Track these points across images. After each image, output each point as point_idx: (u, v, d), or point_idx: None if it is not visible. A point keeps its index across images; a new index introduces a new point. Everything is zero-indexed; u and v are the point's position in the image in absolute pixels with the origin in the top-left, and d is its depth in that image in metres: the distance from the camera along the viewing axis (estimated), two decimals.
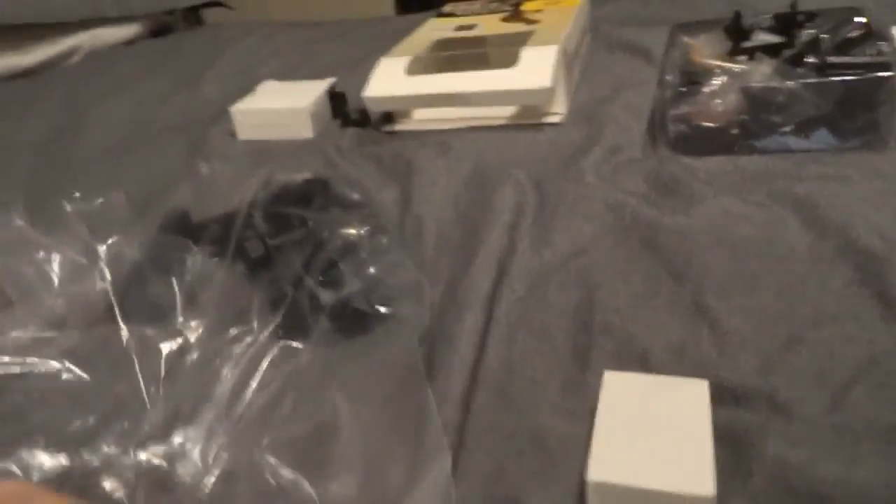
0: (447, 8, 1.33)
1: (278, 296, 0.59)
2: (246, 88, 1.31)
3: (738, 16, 0.96)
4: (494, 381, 0.50)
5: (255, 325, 0.52)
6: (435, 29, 1.20)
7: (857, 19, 0.81)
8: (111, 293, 0.55)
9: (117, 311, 0.54)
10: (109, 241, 0.58)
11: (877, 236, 0.58)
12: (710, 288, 0.56)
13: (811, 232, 0.61)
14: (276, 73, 1.37)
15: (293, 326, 0.55)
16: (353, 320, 0.59)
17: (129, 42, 1.77)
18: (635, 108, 0.97)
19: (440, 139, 0.96)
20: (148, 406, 0.47)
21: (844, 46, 0.79)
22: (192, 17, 1.96)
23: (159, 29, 1.83)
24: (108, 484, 0.42)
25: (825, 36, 0.80)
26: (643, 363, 0.50)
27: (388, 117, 1.07)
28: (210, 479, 0.43)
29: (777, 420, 0.44)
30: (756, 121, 0.83)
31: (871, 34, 0.80)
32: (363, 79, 1.25)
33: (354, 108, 1.11)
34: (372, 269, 0.64)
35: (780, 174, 0.72)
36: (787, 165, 0.74)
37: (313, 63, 1.42)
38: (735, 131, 0.83)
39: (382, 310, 0.56)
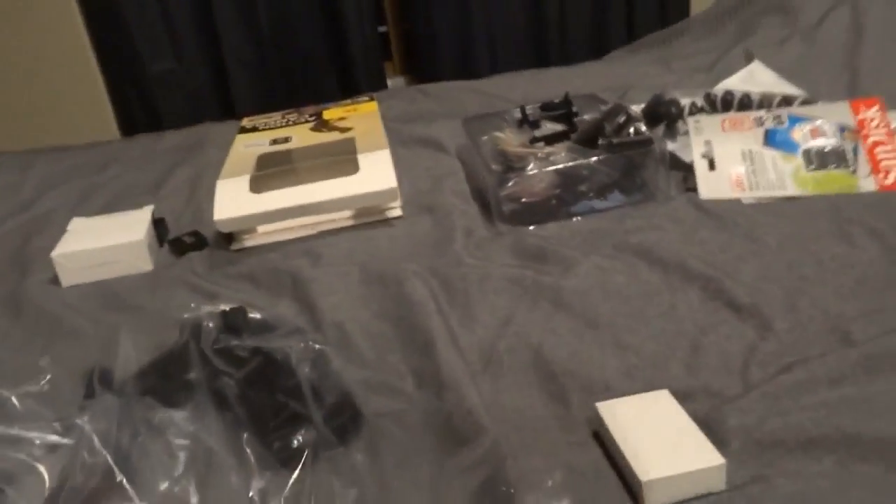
0: (247, 122, 1.39)
1: (274, 427, 0.61)
2: (29, 229, 1.22)
3: (523, 110, 1.20)
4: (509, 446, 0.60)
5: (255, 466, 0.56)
6: (249, 145, 1.26)
7: (624, 109, 1.08)
8: (112, 463, 0.54)
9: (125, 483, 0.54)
10: (86, 417, 0.56)
11: (703, 263, 0.81)
12: (619, 327, 0.73)
13: (658, 270, 0.82)
14: (65, 207, 1.29)
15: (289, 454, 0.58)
16: (348, 425, 0.64)
17: None
18: (461, 194, 1.14)
19: (301, 249, 1.02)
20: None
21: (619, 129, 1.05)
22: None
23: None
24: None
25: (605, 123, 1.06)
26: (608, 391, 0.65)
27: (229, 236, 1.09)
28: None
29: (717, 402, 0.61)
30: (568, 192, 1.05)
31: (630, 119, 1.07)
32: (174, 203, 1.25)
33: (178, 233, 1.11)
34: (336, 378, 0.70)
35: (609, 232, 0.93)
36: (608, 224, 0.96)
37: (105, 192, 1.36)
38: (554, 202, 1.05)
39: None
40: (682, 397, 0.62)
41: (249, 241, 1.08)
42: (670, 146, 1.14)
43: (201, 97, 1.87)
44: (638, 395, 0.62)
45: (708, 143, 1.05)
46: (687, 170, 1.08)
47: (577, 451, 0.59)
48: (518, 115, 1.21)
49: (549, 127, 1.16)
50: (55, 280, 1.03)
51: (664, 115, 1.22)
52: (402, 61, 2.06)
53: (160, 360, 0.68)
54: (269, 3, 1.80)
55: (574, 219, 1.02)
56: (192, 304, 0.77)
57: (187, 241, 1.12)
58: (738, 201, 0.96)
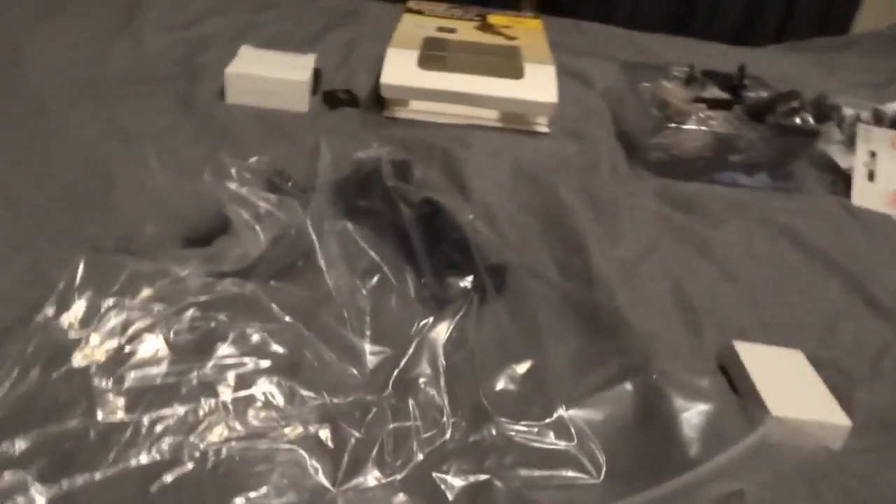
0: (413, 4, 1.41)
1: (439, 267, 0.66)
2: (194, 45, 1.28)
3: (692, 69, 1.19)
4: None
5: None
6: (417, 26, 1.28)
7: (798, 95, 1.07)
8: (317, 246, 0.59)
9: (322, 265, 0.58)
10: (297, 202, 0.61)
11: (847, 258, 0.82)
12: (758, 288, 0.75)
13: (800, 251, 0.84)
14: (226, 35, 1.34)
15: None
16: (504, 283, 0.68)
17: None
18: (608, 131, 1.15)
19: (451, 134, 1.06)
20: None
21: (789, 114, 1.05)
22: None
23: None
24: None
25: (777, 103, 1.06)
26: (742, 336, 0.68)
27: (381, 104, 1.13)
28: None
29: (846, 378, 0.64)
30: (719, 158, 1.06)
31: (803, 107, 1.07)
32: (328, 60, 1.28)
33: (329, 88, 1.15)
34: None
35: (754, 205, 0.94)
36: (753, 199, 0.97)
37: (262, 32, 1.40)
38: (702, 164, 1.06)
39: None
40: (812, 365, 0.64)
41: (401, 113, 1.11)
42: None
43: None
44: (773, 347, 0.65)
45: (873, 154, 1.04)
46: (837, 174, 1.08)
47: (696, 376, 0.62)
48: (684, 72, 1.21)
49: (716, 93, 1.16)
50: (220, 94, 1.09)
51: (826, 116, 1.21)
52: None
53: (344, 181, 0.72)
54: None
55: (716, 186, 1.03)
56: (374, 145, 0.81)
57: (341, 95, 1.16)
58: (889, 217, 0.96)
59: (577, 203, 0.84)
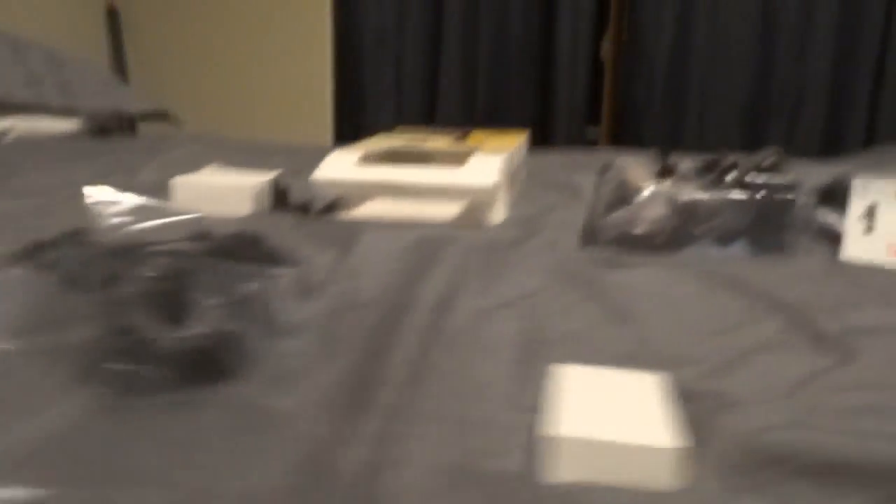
0: (398, 130, 1.41)
1: None
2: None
3: (664, 152, 1.07)
4: None
5: None
6: (387, 139, 1.27)
7: (777, 150, 0.92)
8: None
9: None
10: None
11: (801, 299, 0.62)
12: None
13: (743, 298, 0.65)
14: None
15: None
16: None
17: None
18: (568, 223, 1.02)
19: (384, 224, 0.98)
20: None
21: (760, 171, 0.89)
22: (129, 129, 1.98)
23: (97, 130, 1.85)
24: None
25: (743, 161, 0.91)
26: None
27: (332, 210, 1.08)
28: None
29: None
30: (681, 230, 0.89)
31: (780, 162, 0.91)
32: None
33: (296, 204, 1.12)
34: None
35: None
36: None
37: (259, 167, 1.43)
38: (661, 240, 0.90)
39: None
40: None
41: (345, 217, 1.05)
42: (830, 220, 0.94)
43: None
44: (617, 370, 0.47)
45: (872, 206, 0.85)
46: (835, 241, 0.87)
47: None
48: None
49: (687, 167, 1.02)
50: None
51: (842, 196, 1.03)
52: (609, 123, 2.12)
53: None
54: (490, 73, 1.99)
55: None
56: None
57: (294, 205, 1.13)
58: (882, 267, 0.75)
59: (458, 264, 0.71)
